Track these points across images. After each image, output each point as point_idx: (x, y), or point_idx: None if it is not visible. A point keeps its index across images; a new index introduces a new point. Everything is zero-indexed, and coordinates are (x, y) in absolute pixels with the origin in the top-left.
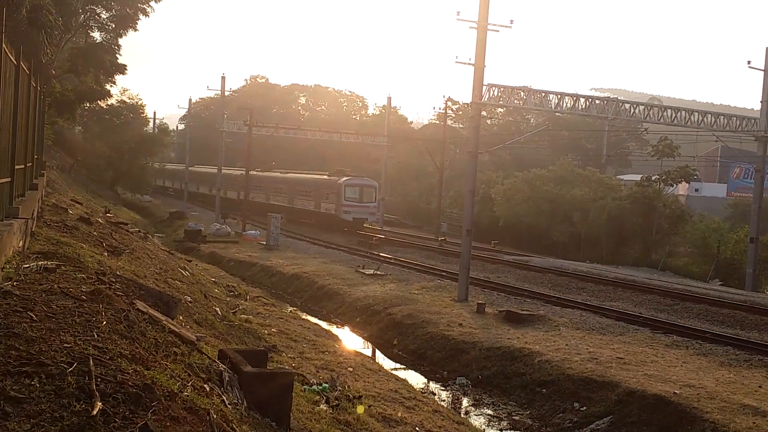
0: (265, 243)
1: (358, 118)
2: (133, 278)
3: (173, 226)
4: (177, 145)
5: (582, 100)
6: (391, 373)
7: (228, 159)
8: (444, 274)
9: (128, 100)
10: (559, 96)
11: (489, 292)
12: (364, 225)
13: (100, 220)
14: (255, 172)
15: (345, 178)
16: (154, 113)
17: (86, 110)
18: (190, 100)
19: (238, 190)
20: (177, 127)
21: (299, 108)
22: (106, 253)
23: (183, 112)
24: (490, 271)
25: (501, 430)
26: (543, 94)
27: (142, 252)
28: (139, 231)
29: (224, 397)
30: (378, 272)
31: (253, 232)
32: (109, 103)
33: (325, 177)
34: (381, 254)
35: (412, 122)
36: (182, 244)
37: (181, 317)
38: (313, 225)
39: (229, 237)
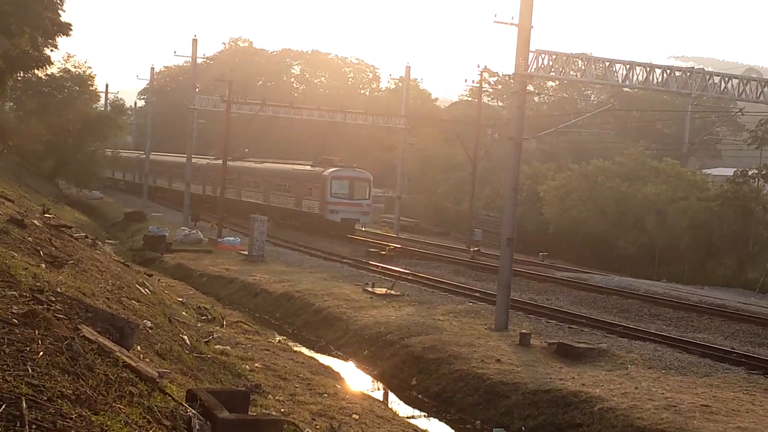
0: (246, 253)
1: (367, 94)
2: (78, 297)
3: (130, 230)
4: (136, 127)
5: (657, 71)
6: (409, 423)
7: (201, 145)
8: (477, 294)
9: (74, 69)
10: (627, 66)
11: (535, 319)
12: (356, 228)
13: (36, 222)
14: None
15: (332, 169)
16: (107, 86)
17: (19, 81)
18: (153, 69)
19: (204, 184)
20: (135, 104)
21: (292, 80)
22: (44, 265)
23: (143, 84)
24: (537, 292)
25: None
26: (607, 63)
27: (90, 263)
28: (87, 237)
29: None
30: (392, 292)
31: (231, 239)
32: (49, 72)
33: (308, 167)
34: (396, 268)
35: (437, 99)
36: (141, 253)
37: (139, 347)
38: (297, 228)
39: (201, 245)
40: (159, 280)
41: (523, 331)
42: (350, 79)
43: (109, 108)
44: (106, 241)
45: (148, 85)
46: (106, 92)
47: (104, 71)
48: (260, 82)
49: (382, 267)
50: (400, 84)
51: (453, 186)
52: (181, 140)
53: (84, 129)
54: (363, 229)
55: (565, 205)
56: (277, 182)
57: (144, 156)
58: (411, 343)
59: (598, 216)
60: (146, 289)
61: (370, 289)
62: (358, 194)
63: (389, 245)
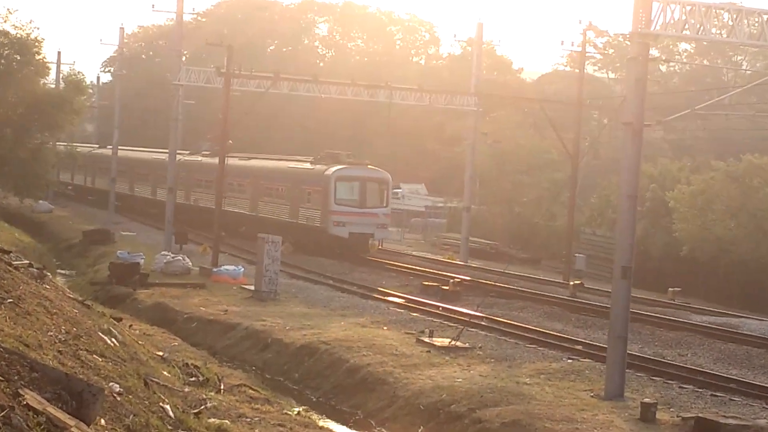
0: (253, 288)
1: (422, 62)
2: (19, 350)
3: (90, 256)
4: (98, 112)
5: None
6: None
7: (190, 136)
8: (579, 348)
9: (14, 31)
10: None
11: (663, 384)
12: (370, 246)
13: None
14: (195, 158)
15: (336, 167)
16: (59, 55)
17: None
18: (123, 31)
19: (188, 189)
20: (99, 78)
21: (316, 44)
22: None
23: (109, 52)
24: (666, 344)
25: None
26: (765, 17)
27: (36, 303)
28: (31, 265)
29: None
30: (458, 343)
31: (231, 268)
32: None
33: (307, 165)
34: (464, 310)
35: (521, 70)
36: (106, 288)
37: (103, 421)
38: (310, 249)
39: (190, 276)
40: (131, 326)
41: (646, 400)
42: (398, 42)
43: (62, 85)
44: (58, 271)
45: (115, 52)
46: (59, 63)
47: (57, 35)
48: (272, 47)
49: (443, 308)
50: (469, 49)
51: (544, 193)
52: (162, 129)
53: (27, 114)
54: (380, 247)
55: (706, 220)
56: (267, 185)
57: (110, 152)
58: (485, 417)
59: (753, 235)
60: (113, 339)
61: (426, 340)
62: (372, 200)
63: (454, 277)
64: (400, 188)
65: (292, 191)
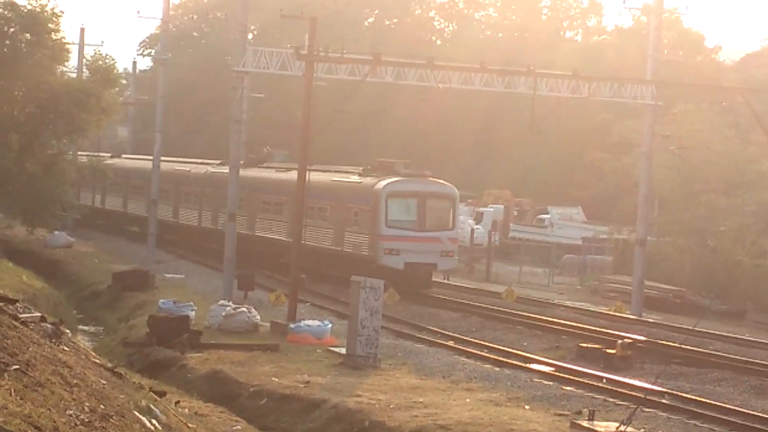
0: (345, 351)
1: (579, 39)
2: None
3: (123, 306)
4: (135, 110)
5: None
6: None
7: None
8: None
9: (23, 2)
10: None
11: None
12: (433, 278)
13: None
14: (219, 170)
15: (388, 180)
16: (82, 33)
17: None
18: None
19: (252, 214)
20: (135, 65)
21: (432, 14)
22: None
23: (149, 28)
24: None
25: None
26: None
27: (50, 370)
28: (44, 319)
29: None
30: (630, 429)
31: (314, 324)
32: None
33: (355, 178)
34: (637, 383)
35: (716, 49)
36: (145, 351)
37: None
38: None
39: (258, 335)
40: (178, 402)
41: None
42: (545, 12)
43: (86, 74)
44: (80, 327)
45: (157, 29)
46: (81, 44)
47: (78, 5)
48: (371, 20)
49: (608, 380)
50: (645, 19)
51: (749, 220)
52: (220, 133)
53: (39, 115)
54: (447, 280)
55: None
56: (308, 204)
57: (151, 164)
58: None
59: None
60: (154, 421)
61: (585, 424)
62: (434, 222)
63: (622, 337)
64: (547, 213)
65: (337, 211)
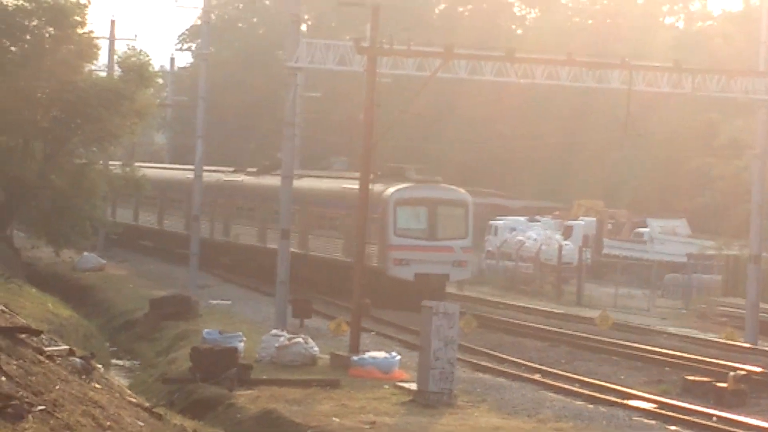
0: (416, 387)
1: (680, 26)
2: None
3: (163, 337)
4: (173, 113)
5: None
6: None
7: (313, 147)
8: None
9: None
10: None
11: None
12: (446, 289)
13: None
14: (229, 178)
15: (397, 187)
16: (113, 26)
17: None
18: None
19: (263, 223)
20: (173, 62)
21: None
22: None
23: (190, 20)
24: None
25: None
26: None
27: (79, 411)
28: (72, 353)
29: None
30: None
31: (380, 356)
32: None
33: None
34: (753, 422)
35: None
36: (187, 388)
37: None
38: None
39: (316, 368)
40: None
41: None
42: None
43: (117, 72)
44: (113, 361)
45: (199, 19)
46: (112, 39)
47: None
48: (442, 7)
49: (719, 417)
50: (755, 2)
51: None
52: (271, 138)
53: (65, 119)
54: (462, 292)
55: None
56: (318, 211)
57: (192, 174)
58: None
59: None
60: None
61: None
62: (446, 230)
63: (735, 368)
64: (645, 227)
65: (348, 220)
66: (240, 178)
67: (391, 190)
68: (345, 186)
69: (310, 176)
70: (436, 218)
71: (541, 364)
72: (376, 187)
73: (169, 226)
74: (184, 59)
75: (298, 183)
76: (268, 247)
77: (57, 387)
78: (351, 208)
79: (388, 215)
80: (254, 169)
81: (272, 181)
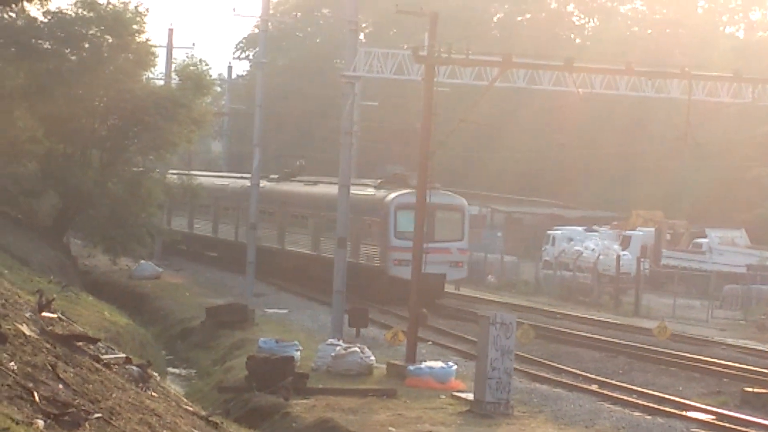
0: (472, 397)
1: (740, 35)
2: None
3: (219, 345)
4: (230, 121)
5: None
6: None
7: (371, 156)
8: None
9: (104, 0)
10: None
11: None
12: (445, 289)
13: (26, 329)
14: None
15: (398, 193)
16: (170, 35)
17: None
18: None
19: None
20: (230, 70)
21: (570, 8)
22: (40, 423)
23: (247, 29)
24: None
25: None
26: None
27: (136, 419)
28: (129, 361)
29: None
30: None
31: (437, 366)
32: (51, 8)
33: (370, 191)
34: None
35: None
36: (244, 397)
37: None
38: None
39: (372, 378)
40: None
41: None
42: (700, 5)
43: (174, 81)
44: (169, 370)
45: (256, 28)
46: (170, 48)
47: (165, 5)
48: (500, 15)
49: None
50: None
51: None
52: (329, 147)
53: (122, 128)
54: (458, 291)
55: None
56: (328, 216)
57: (249, 183)
58: None
59: None
60: None
61: None
62: (444, 232)
63: None
64: (705, 237)
65: (354, 224)
66: (286, 186)
67: (392, 195)
68: (352, 192)
69: (324, 182)
70: (434, 222)
71: (599, 375)
72: (380, 193)
73: (223, 234)
74: (242, 68)
75: (314, 189)
76: (286, 249)
77: (114, 395)
78: (356, 212)
79: (389, 219)
80: (276, 176)
81: (287, 187)
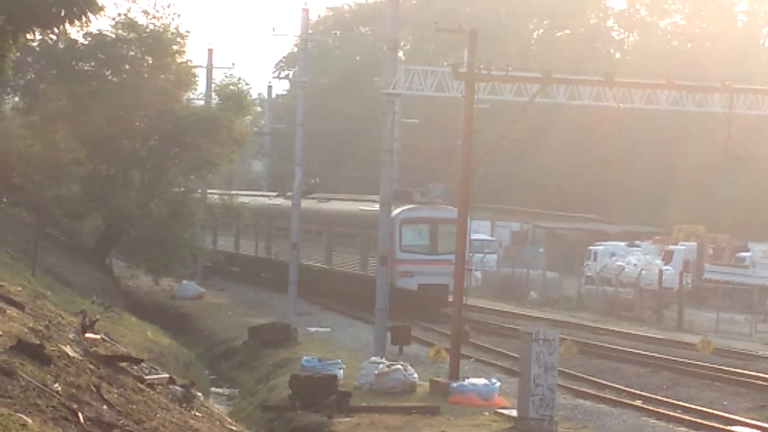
0: (515, 413)
1: None
2: None
3: (262, 365)
4: (272, 141)
5: None
6: None
7: (413, 174)
8: None
9: (145, 21)
10: None
11: None
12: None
13: (70, 350)
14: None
15: (402, 208)
16: (210, 55)
17: (32, 49)
18: (307, 13)
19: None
20: (270, 90)
21: (610, 23)
22: None
23: (287, 48)
24: None
25: None
26: None
27: None
28: (172, 381)
29: None
30: None
31: (480, 383)
32: (92, 30)
33: (377, 206)
34: None
35: None
36: (287, 416)
37: None
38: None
39: (415, 395)
40: None
41: None
42: (740, 18)
43: (215, 100)
44: (213, 389)
45: (295, 47)
46: (210, 68)
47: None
48: (540, 31)
49: None
50: None
51: None
52: (370, 165)
53: (163, 148)
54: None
55: None
56: (340, 230)
57: (291, 201)
58: None
59: None
60: None
61: None
62: (446, 245)
63: None
64: (747, 251)
65: (362, 238)
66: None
67: (397, 210)
68: (361, 208)
69: (336, 199)
70: (437, 235)
71: (642, 390)
72: None
73: (272, 254)
74: (282, 87)
75: (326, 205)
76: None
77: (158, 415)
78: (364, 227)
79: (395, 233)
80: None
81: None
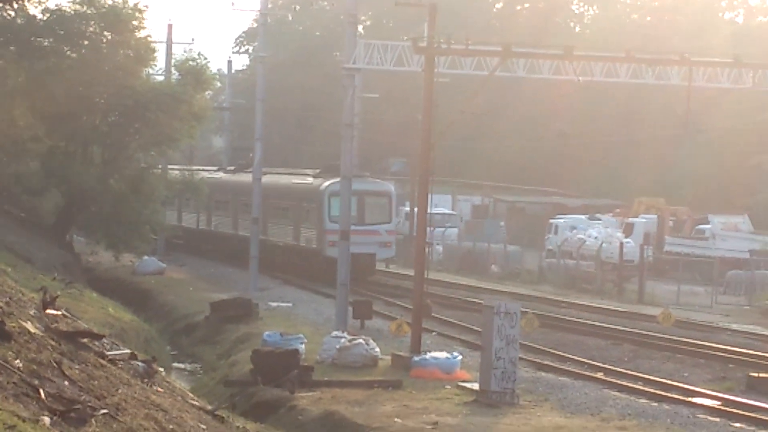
0: (477, 387)
1: (740, 20)
2: None
3: (224, 340)
4: (232, 116)
5: None
6: None
7: (372, 149)
8: None
9: None
10: None
11: None
12: (376, 268)
13: (30, 327)
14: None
15: (331, 181)
16: (170, 30)
17: None
18: None
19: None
20: (230, 65)
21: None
22: (46, 420)
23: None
24: None
25: None
26: None
27: (142, 414)
28: (134, 357)
29: None
30: None
31: (442, 356)
32: (50, 5)
33: (309, 180)
34: None
35: None
36: (249, 391)
37: None
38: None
39: (377, 369)
40: None
41: None
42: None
43: (174, 76)
44: (174, 365)
45: (255, 22)
46: (169, 43)
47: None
48: (499, 5)
49: None
50: None
51: None
52: (330, 140)
53: (123, 124)
54: (388, 268)
55: None
56: (275, 203)
57: (253, 176)
58: None
59: None
60: None
61: None
62: (373, 216)
63: None
64: (707, 223)
65: (296, 210)
66: (237, 178)
67: (326, 183)
68: (293, 182)
69: (271, 173)
70: (365, 206)
71: (604, 363)
72: (316, 181)
73: (213, 226)
74: (242, 62)
75: (264, 179)
76: (239, 234)
77: (119, 391)
78: (297, 199)
79: (323, 205)
80: (232, 168)
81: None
